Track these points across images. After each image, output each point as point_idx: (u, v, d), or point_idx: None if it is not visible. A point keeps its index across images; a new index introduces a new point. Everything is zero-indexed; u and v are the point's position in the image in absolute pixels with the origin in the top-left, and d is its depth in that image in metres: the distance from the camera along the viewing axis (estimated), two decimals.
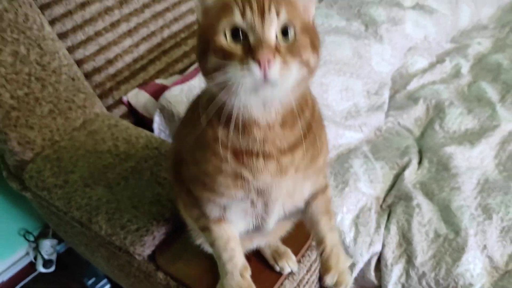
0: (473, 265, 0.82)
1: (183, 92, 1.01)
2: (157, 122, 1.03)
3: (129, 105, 1.09)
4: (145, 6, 1.12)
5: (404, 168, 1.00)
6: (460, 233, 0.85)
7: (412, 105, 1.16)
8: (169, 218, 0.74)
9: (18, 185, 0.91)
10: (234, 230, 0.55)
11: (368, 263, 0.91)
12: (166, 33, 1.17)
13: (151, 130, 1.03)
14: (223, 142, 0.44)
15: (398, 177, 1.00)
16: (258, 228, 0.55)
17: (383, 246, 0.89)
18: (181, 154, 0.52)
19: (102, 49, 1.04)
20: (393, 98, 1.23)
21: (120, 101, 1.09)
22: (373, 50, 1.23)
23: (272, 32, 0.38)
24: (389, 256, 0.88)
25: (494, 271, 0.83)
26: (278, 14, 0.38)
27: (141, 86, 1.11)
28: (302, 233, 0.72)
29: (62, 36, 0.97)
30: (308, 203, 0.55)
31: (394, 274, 0.86)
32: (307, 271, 0.74)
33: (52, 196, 0.80)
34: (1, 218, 1.23)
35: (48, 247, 1.30)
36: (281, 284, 0.70)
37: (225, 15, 0.39)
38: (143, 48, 1.12)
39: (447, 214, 0.89)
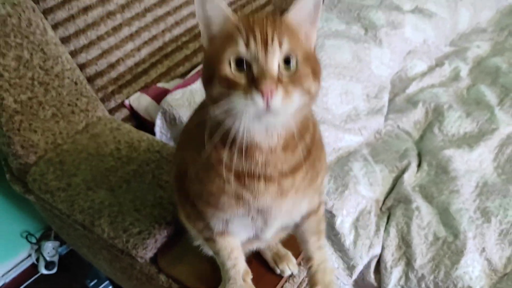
0: (472, 267, 0.82)
1: (185, 95, 1.02)
2: (159, 125, 1.04)
3: (131, 108, 1.10)
4: (147, 10, 1.13)
5: (403, 171, 1.01)
6: (459, 236, 0.85)
7: (412, 108, 1.17)
8: (170, 221, 0.75)
9: (21, 188, 0.92)
10: (237, 240, 0.58)
11: (367, 265, 0.92)
12: (167, 37, 1.18)
13: (153, 133, 1.04)
14: (226, 164, 0.46)
15: (397, 180, 1.00)
16: (257, 236, 0.57)
17: (383, 248, 0.90)
18: (185, 166, 0.53)
19: (104, 53, 1.05)
20: (392, 102, 1.24)
21: (122, 105, 1.09)
22: (373, 53, 1.24)
23: (274, 62, 0.40)
24: (389, 258, 0.89)
25: (493, 274, 0.83)
26: (280, 45, 0.40)
27: (143, 89, 1.12)
28: None
29: (65, 40, 0.98)
30: (301, 220, 0.57)
31: (394, 277, 0.87)
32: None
33: (55, 199, 0.81)
34: (3, 220, 1.24)
35: (50, 249, 1.31)
36: (282, 286, 0.71)
37: (230, 45, 0.40)
38: (144, 52, 1.13)
39: (446, 217, 0.90)
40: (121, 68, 1.09)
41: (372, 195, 0.97)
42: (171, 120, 1.02)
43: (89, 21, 1.01)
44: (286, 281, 0.71)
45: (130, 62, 1.10)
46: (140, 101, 1.09)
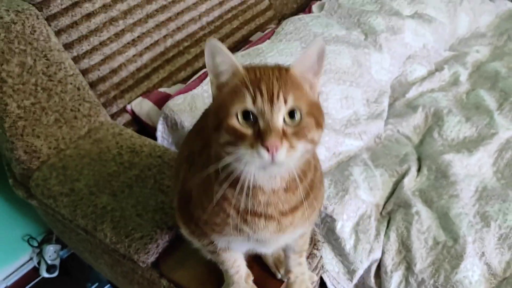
0: (472, 272, 0.83)
1: (186, 100, 1.03)
2: (160, 130, 1.05)
3: (132, 113, 1.11)
4: (149, 16, 1.14)
5: (403, 176, 1.02)
6: (459, 240, 0.86)
7: (411, 113, 1.18)
8: (172, 226, 0.75)
9: (24, 193, 0.92)
10: (239, 252, 0.62)
11: (368, 270, 0.92)
12: (169, 42, 1.19)
13: (154, 138, 1.05)
14: (230, 201, 0.49)
15: (397, 184, 1.01)
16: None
17: (383, 253, 0.90)
18: (189, 191, 0.55)
19: (107, 58, 1.06)
20: (392, 106, 1.24)
21: (124, 110, 1.10)
22: (373, 58, 1.24)
23: (280, 118, 0.42)
24: (389, 263, 0.89)
25: (492, 278, 0.84)
26: (286, 101, 0.42)
27: (144, 94, 1.13)
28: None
29: (68, 46, 0.99)
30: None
31: (394, 281, 0.88)
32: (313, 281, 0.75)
33: (58, 204, 0.82)
34: (5, 224, 1.25)
35: (51, 252, 1.31)
36: None
37: (238, 100, 0.43)
38: (146, 57, 1.14)
39: (445, 221, 0.90)
40: (123, 73, 1.09)
41: (372, 199, 0.97)
42: (172, 125, 1.03)
43: (92, 27, 1.02)
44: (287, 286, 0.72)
45: (132, 67, 1.11)
46: (142, 106, 1.10)
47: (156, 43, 1.16)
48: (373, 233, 0.92)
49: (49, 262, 1.30)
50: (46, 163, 0.88)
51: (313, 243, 0.77)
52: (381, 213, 0.97)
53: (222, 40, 1.28)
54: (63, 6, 0.97)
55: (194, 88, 1.06)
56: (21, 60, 0.86)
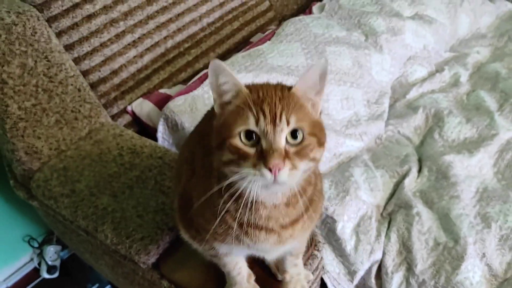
0: (472, 273, 0.83)
1: (187, 102, 1.03)
2: (161, 131, 1.05)
3: (133, 114, 1.11)
4: (149, 17, 1.14)
5: (404, 177, 1.02)
6: (459, 241, 0.86)
7: (412, 114, 1.18)
8: (172, 227, 0.76)
9: (25, 194, 0.93)
10: (240, 256, 0.63)
11: (368, 271, 0.92)
12: (169, 43, 1.19)
13: (155, 139, 1.05)
14: (232, 214, 0.50)
15: (398, 185, 1.01)
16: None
17: (384, 254, 0.90)
18: (191, 199, 0.56)
19: (107, 59, 1.06)
20: (393, 107, 1.24)
21: (124, 111, 1.10)
22: (373, 59, 1.25)
23: (282, 138, 0.43)
24: (390, 264, 0.89)
25: (493, 279, 0.84)
26: (288, 122, 0.43)
27: (145, 95, 1.13)
28: None
29: (69, 47, 0.99)
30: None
31: (395, 282, 0.88)
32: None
33: (59, 205, 0.82)
34: (5, 225, 1.25)
35: (52, 253, 1.31)
36: None
37: (241, 120, 0.44)
38: (147, 58, 1.14)
39: (446, 222, 0.90)
40: (123, 75, 1.10)
41: (373, 200, 0.97)
42: (173, 126, 1.03)
43: (93, 28, 1.02)
44: None
45: (132, 68, 1.11)
46: (142, 107, 1.10)
47: (156, 44, 1.16)
48: (373, 234, 0.92)
49: (49, 263, 1.30)
50: (47, 164, 0.88)
51: (314, 244, 0.77)
52: (381, 214, 0.97)
53: (222, 41, 1.29)
54: (64, 8, 0.97)
55: (195, 89, 1.06)
56: (22, 62, 0.87)
